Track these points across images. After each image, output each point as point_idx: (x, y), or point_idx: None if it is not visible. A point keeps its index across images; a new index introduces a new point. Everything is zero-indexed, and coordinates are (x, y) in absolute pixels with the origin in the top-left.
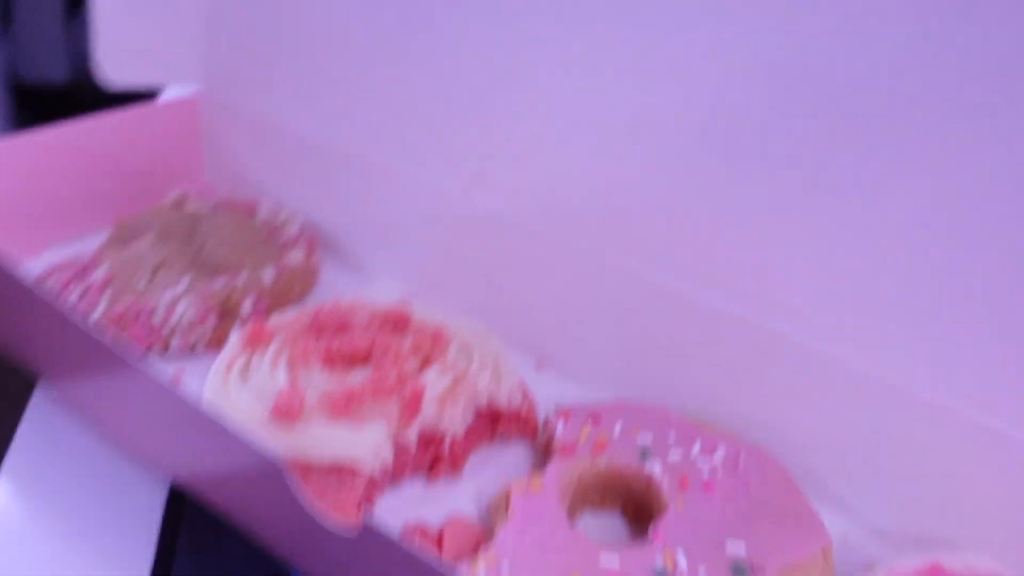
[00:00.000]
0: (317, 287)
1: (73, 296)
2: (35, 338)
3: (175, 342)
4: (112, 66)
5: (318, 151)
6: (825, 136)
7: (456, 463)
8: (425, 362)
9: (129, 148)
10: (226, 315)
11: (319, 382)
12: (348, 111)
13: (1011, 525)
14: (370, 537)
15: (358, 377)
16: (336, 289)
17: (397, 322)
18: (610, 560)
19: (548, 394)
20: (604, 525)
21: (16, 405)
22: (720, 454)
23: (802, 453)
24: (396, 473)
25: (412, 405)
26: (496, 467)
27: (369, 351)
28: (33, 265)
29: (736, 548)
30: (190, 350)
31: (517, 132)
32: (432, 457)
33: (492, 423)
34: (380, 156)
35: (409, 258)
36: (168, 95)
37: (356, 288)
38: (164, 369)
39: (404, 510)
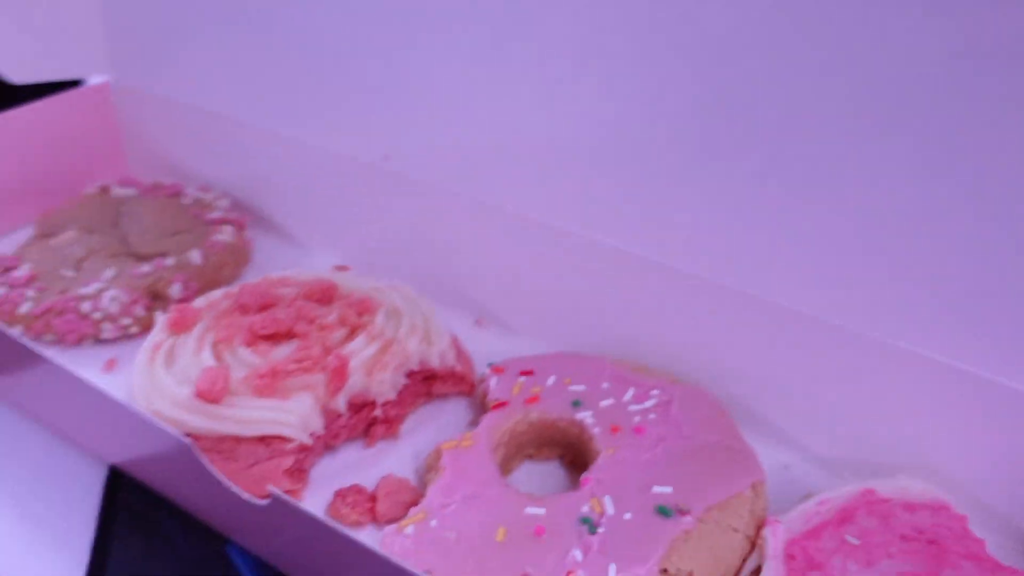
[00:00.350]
0: (252, 264)
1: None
2: None
3: (107, 331)
4: (13, 61)
5: (237, 128)
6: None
7: (392, 426)
8: (352, 331)
9: (45, 141)
10: (157, 300)
11: (245, 360)
12: (260, 85)
13: (944, 449)
14: (281, 507)
15: (284, 352)
16: (273, 265)
17: (323, 295)
18: (536, 510)
19: (488, 351)
20: (544, 475)
21: None
22: (653, 399)
23: (743, 392)
24: (331, 440)
25: (338, 375)
26: (434, 426)
27: (294, 326)
28: None
29: (663, 490)
30: (124, 337)
31: (430, 95)
32: (367, 422)
33: (427, 383)
34: (298, 129)
35: (342, 228)
36: (79, 86)
37: (293, 261)
38: (98, 356)
39: (343, 474)
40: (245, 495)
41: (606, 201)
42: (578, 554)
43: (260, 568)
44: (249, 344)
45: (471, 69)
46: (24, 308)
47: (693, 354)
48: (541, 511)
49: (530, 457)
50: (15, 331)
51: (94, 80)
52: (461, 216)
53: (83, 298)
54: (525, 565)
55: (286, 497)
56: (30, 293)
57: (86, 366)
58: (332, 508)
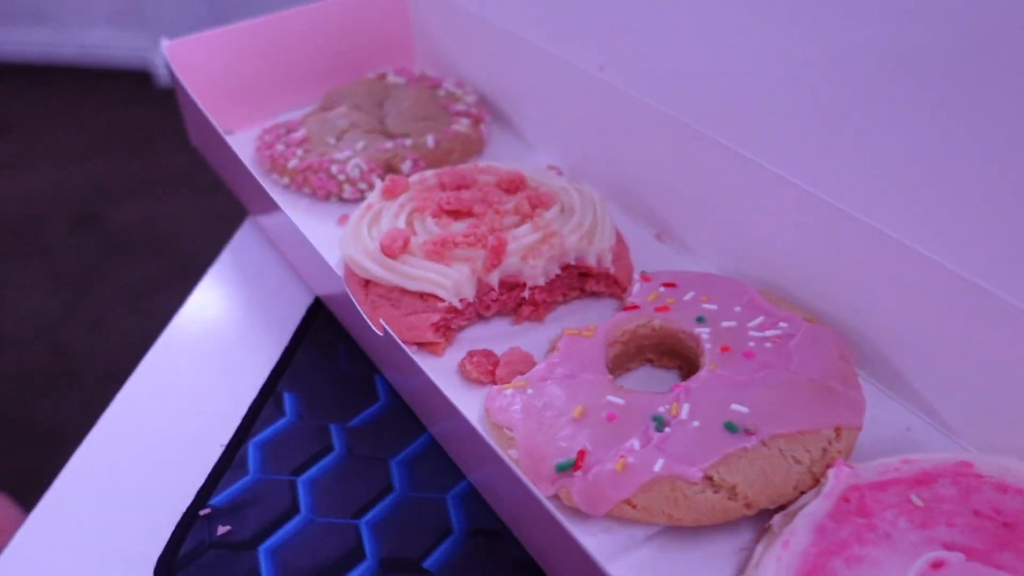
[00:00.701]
0: (484, 155)
1: (278, 148)
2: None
3: (347, 192)
4: None
5: (500, 34)
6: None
7: (538, 309)
8: (523, 219)
9: (345, 32)
10: (390, 171)
11: (428, 228)
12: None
13: None
14: (388, 339)
15: (460, 227)
16: (499, 157)
17: (511, 185)
18: (617, 399)
19: (656, 263)
20: (657, 380)
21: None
22: (776, 330)
23: (890, 349)
24: (483, 310)
25: (495, 253)
26: (580, 318)
27: (474, 207)
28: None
29: (739, 409)
30: (361, 199)
31: (649, 11)
32: (517, 301)
33: (582, 279)
34: (542, 37)
35: (562, 132)
36: None
37: (518, 157)
38: (337, 212)
39: (486, 341)
40: (371, 326)
41: (808, 142)
42: (636, 443)
43: (393, 392)
44: (435, 216)
45: None
46: (291, 163)
47: (849, 302)
48: (621, 401)
49: (651, 362)
50: (283, 180)
51: None
52: (663, 133)
53: (334, 162)
54: (585, 441)
55: (390, 331)
56: (299, 152)
57: (326, 216)
58: (461, 364)
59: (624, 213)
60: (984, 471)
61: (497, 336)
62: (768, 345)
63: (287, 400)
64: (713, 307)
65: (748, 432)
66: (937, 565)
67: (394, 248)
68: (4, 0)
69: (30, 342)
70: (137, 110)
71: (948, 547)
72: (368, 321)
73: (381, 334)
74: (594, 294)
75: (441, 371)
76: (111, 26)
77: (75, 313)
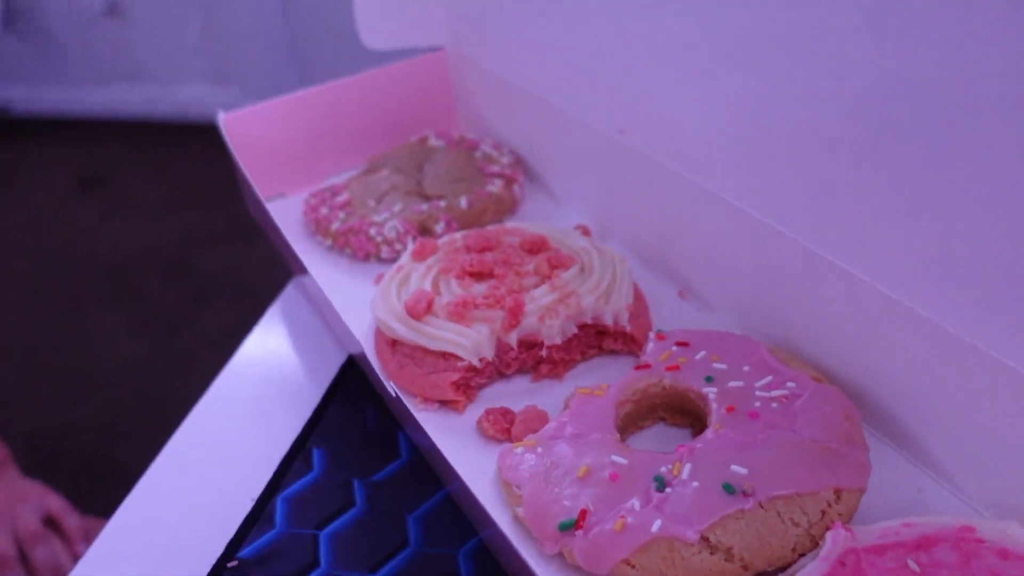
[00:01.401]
0: (517, 215)
1: (322, 211)
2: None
3: (384, 252)
4: (372, 31)
5: (530, 99)
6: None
7: (557, 367)
8: (543, 280)
9: (392, 97)
10: (424, 233)
11: (452, 290)
12: (556, 65)
13: None
14: (399, 402)
15: (482, 289)
16: (532, 217)
17: (532, 246)
18: (620, 459)
19: (681, 320)
20: (668, 439)
21: None
22: (783, 390)
23: (901, 409)
24: (503, 368)
25: (513, 314)
26: (598, 376)
27: (495, 268)
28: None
29: (739, 470)
30: (395, 259)
31: (662, 78)
32: (535, 360)
33: (599, 337)
34: (570, 102)
35: (590, 192)
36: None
37: (548, 217)
38: (375, 271)
39: (505, 399)
40: (390, 387)
41: (822, 206)
42: (636, 503)
43: (414, 449)
44: (459, 277)
45: (696, 59)
46: (334, 226)
47: (859, 362)
48: (624, 461)
49: (663, 420)
50: (326, 241)
51: (433, 48)
52: (681, 195)
53: (373, 224)
54: (588, 501)
55: (398, 392)
56: (341, 215)
57: (365, 276)
58: (479, 422)
59: (647, 270)
60: (986, 536)
61: (516, 393)
62: (774, 405)
63: (316, 455)
64: (723, 366)
65: (746, 494)
66: None
67: (418, 309)
68: (106, 60)
69: (118, 384)
70: (225, 162)
71: None
72: (385, 382)
73: (394, 396)
74: (612, 352)
75: (461, 428)
76: (204, 82)
77: (162, 357)
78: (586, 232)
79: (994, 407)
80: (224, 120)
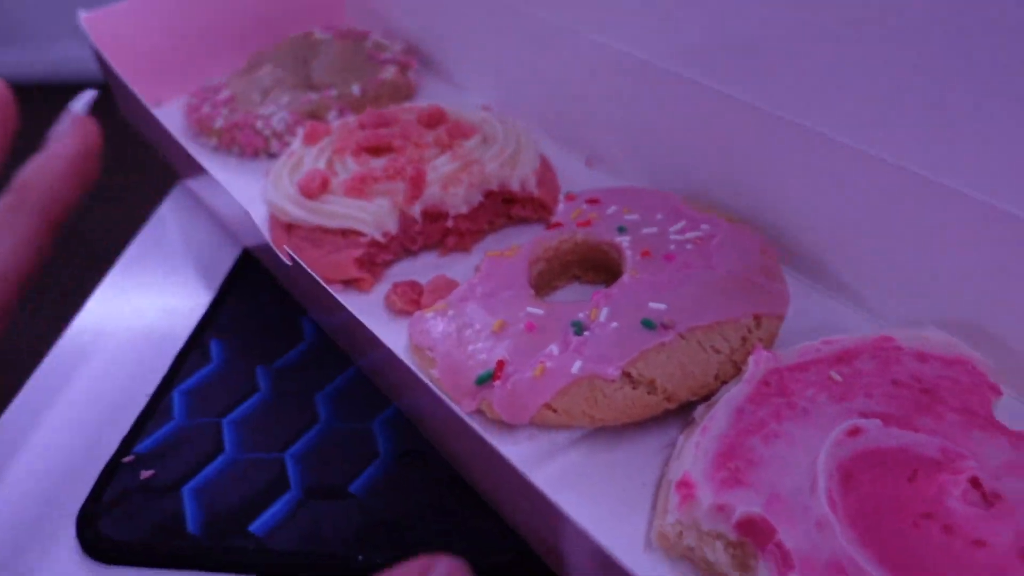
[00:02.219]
0: (415, 100)
1: (204, 110)
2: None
3: (274, 146)
4: None
5: None
6: None
7: (464, 239)
8: (443, 151)
9: None
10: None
11: (348, 168)
12: None
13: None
14: (298, 268)
15: (380, 163)
16: (430, 101)
17: (431, 119)
18: (536, 311)
19: (591, 186)
20: (585, 294)
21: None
22: (698, 232)
23: (813, 238)
24: (409, 244)
25: (414, 184)
26: (509, 244)
27: (393, 142)
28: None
29: (657, 306)
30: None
31: None
32: (442, 233)
33: (507, 205)
34: None
35: (492, 71)
36: None
37: (448, 99)
38: (264, 167)
39: (414, 275)
40: (283, 259)
41: (722, 43)
42: (554, 349)
43: (318, 331)
44: (355, 154)
45: None
46: (217, 123)
47: (770, 200)
48: (540, 312)
49: (577, 278)
50: (211, 141)
51: None
52: (585, 55)
53: (259, 117)
54: (504, 352)
55: (299, 261)
56: (224, 111)
57: (255, 173)
58: (387, 297)
59: (555, 143)
60: (904, 343)
61: (425, 269)
62: (689, 247)
63: (214, 348)
64: (636, 217)
65: (665, 327)
66: (854, 432)
67: (312, 188)
68: None
69: None
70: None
71: (865, 416)
72: (282, 257)
73: (289, 263)
74: (522, 220)
75: (369, 307)
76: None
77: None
78: (488, 110)
79: (899, 219)
80: (86, 20)
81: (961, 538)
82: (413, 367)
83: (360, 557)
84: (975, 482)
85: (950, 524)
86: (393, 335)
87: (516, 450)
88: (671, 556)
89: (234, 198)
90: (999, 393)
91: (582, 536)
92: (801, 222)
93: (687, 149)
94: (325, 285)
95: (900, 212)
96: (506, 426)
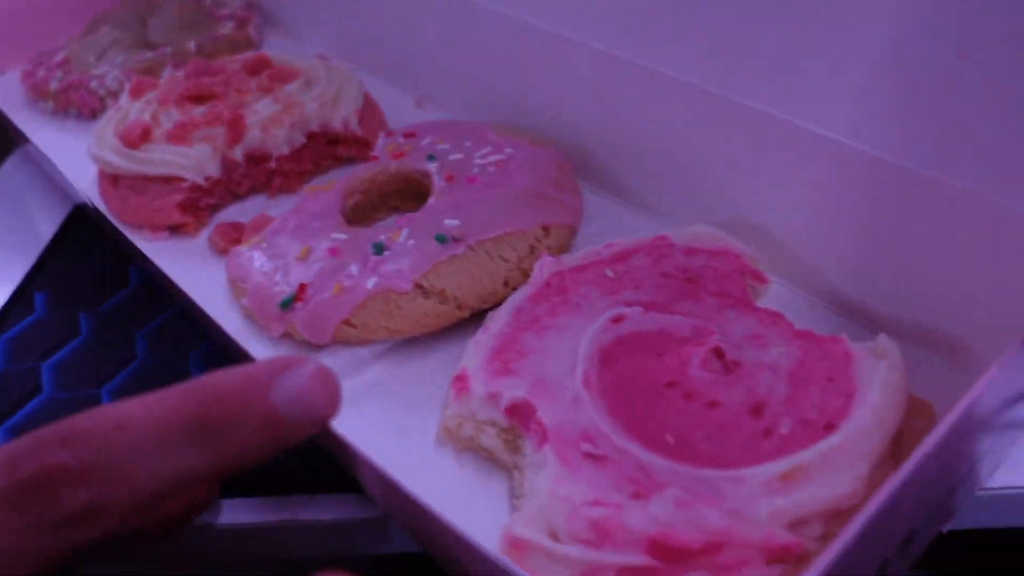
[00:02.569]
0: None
1: (39, 74)
2: None
3: (110, 106)
4: None
5: None
6: None
7: (290, 180)
8: (265, 96)
9: None
10: None
11: (172, 117)
12: None
13: (786, 212)
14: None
15: (202, 111)
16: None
17: (256, 66)
18: (341, 236)
19: None
20: None
21: None
22: (501, 155)
23: (612, 157)
24: (235, 188)
25: (234, 127)
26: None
27: (214, 89)
28: None
29: (451, 223)
30: None
31: None
32: (267, 175)
33: (332, 146)
34: None
35: (332, 24)
36: None
37: (289, 52)
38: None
39: (242, 216)
40: (88, 198)
41: None
42: (355, 269)
43: (144, 275)
44: (179, 104)
45: None
46: (53, 85)
47: (572, 122)
48: (344, 236)
49: (397, 209)
50: (48, 105)
51: None
52: (414, 6)
53: (93, 78)
54: (307, 277)
55: (98, 207)
56: (59, 74)
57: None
58: (209, 238)
59: (388, 86)
60: (677, 241)
61: (253, 212)
62: (491, 169)
63: (38, 299)
64: (446, 146)
65: (456, 240)
66: (617, 320)
67: (132, 137)
68: None
69: None
70: None
71: (630, 305)
72: (97, 207)
73: (91, 206)
74: (350, 160)
75: (197, 251)
76: None
77: None
78: (325, 60)
79: (686, 134)
80: None
81: (698, 401)
82: (228, 307)
83: None
84: (719, 352)
85: (690, 390)
86: (218, 274)
87: None
88: (457, 448)
89: (47, 156)
90: (763, 280)
91: (364, 461)
92: (599, 140)
93: (502, 82)
94: (125, 232)
95: (684, 126)
96: (313, 347)
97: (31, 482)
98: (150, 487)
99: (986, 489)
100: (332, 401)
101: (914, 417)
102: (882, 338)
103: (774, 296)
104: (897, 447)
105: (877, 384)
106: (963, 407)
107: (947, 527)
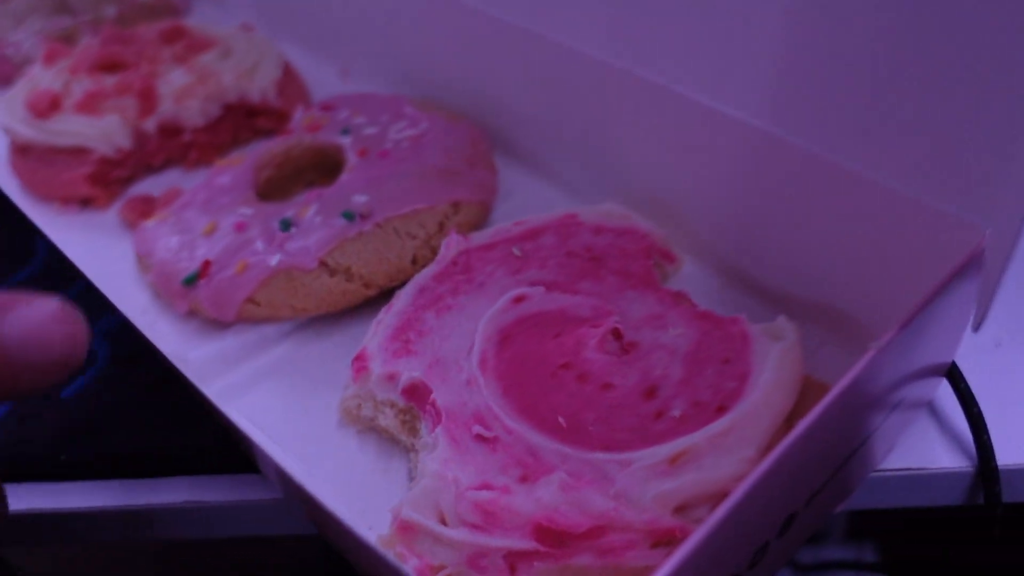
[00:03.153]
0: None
1: None
2: None
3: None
4: None
5: None
6: None
7: (207, 153)
8: (178, 65)
9: None
10: (69, 46)
11: (83, 86)
12: None
13: (687, 187)
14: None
15: (112, 81)
16: (194, 22)
17: (172, 35)
18: (247, 211)
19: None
20: None
21: None
22: (416, 129)
23: (531, 134)
24: (149, 159)
25: (145, 98)
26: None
27: (127, 59)
28: None
29: (359, 199)
30: None
31: None
32: (182, 148)
33: (251, 119)
34: None
35: None
36: None
37: (219, 22)
38: None
39: (157, 190)
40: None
41: None
42: (260, 245)
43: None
44: (90, 73)
45: None
46: None
47: (491, 99)
48: (250, 211)
49: (312, 183)
50: None
51: None
52: None
53: (10, 44)
54: (212, 254)
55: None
56: None
57: None
58: (120, 211)
59: (312, 56)
60: (585, 219)
61: (168, 185)
62: (405, 144)
63: None
64: (362, 120)
65: (363, 217)
66: (519, 300)
67: (41, 106)
68: None
69: None
70: None
71: (534, 284)
72: None
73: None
74: (270, 132)
75: (108, 224)
76: None
77: None
78: (249, 29)
79: (596, 109)
80: None
81: (593, 383)
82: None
83: (63, 456)
84: (617, 333)
85: (585, 372)
86: (128, 249)
87: (219, 345)
88: (358, 429)
89: None
90: (672, 260)
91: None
92: (519, 116)
93: (425, 56)
94: (24, 209)
95: (599, 102)
96: (218, 325)
97: None
98: None
99: (880, 471)
100: (74, 343)
101: (810, 399)
102: (780, 319)
103: (686, 277)
104: (790, 429)
105: (770, 365)
106: (837, 391)
107: (840, 508)
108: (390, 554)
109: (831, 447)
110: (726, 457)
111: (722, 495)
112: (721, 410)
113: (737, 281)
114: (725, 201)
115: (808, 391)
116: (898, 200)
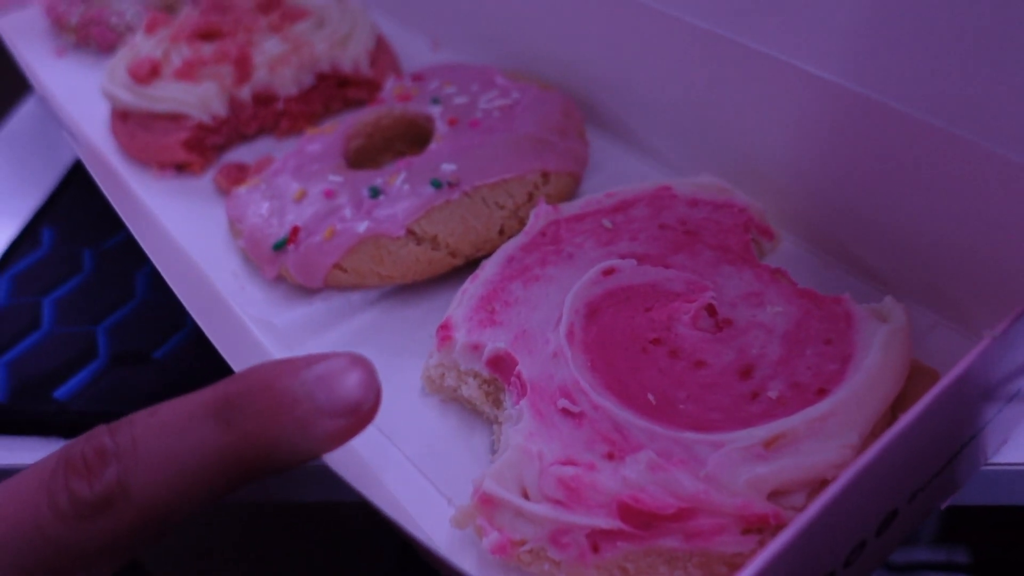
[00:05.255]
0: None
1: (60, 7)
2: None
3: (128, 41)
4: None
5: None
6: None
7: (299, 122)
8: (273, 34)
9: None
10: (171, 15)
11: (182, 54)
12: None
13: (795, 161)
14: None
15: (211, 49)
16: None
17: (268, 5)
18: (337, 178)
19: None
20: None
21: None
22: (507, 99)
23: (623, 104)
24: (243, 128)
25: (239, 66)
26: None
27: (224, 27)
28: None
29: (448, 167)
30: None
31: None
32: (275, 116)
33: (342, 89)
34: None
35: None
36: None
37: None
38: None
39: (249, 157)
40: (72, 141)
41: None
42: (348, 212)
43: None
44: (189, 42)
45: None
46: (73, 20)
47: (585, 70)
48: (340, 179)
49: (403, 153)
50: (70, 38)
51: None
52: None
53: (113, 13)
54: (301, 220)
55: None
56: (80, 8)
57: None
58: (214, 178)
59: (404, 28)
60: (680, 191)
61: (260, 152)
62: (496, 114)
63: (45, 235)
64: (453, 90)
65: (452, 186)
66: (608, 272)
67: (141, 73)
68: None
69: None
70: None
71: (624, 257)
72: (71, 140)
73: (78, 149)
74: (360, 102)
75: (202, 189)
76: None
77: None
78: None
79: (695, 79)
80: None
81: (685, 360)
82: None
83: None
84: (711, 310)
85: (676, 348)
86: (221, 214)
87: (307, 311)
88: (441, 399)
89: (48, 91)
90: (771, 236)
91: None
92: (612, 87)
93: (516, 27)
94: (93, 174)
95: (698, 72)
96: (305, 291)
97: (72, 462)
98: (173, 466)
99: (992, 464)
100: (367, 388)
101: (917, 385)
102: (888, 300)
103: (785, 254)
104: (896, 416)
105: (876, 348)
106: (949, 380)
107: (948, 503)
108: (451, 558)
109: (940, 439)
110: (825, 443)
111: (819, 483)
112: (821, 393)
113: (839, 259)
114: (827, 174)
115: (916, 377)
116: (1016, 172)
